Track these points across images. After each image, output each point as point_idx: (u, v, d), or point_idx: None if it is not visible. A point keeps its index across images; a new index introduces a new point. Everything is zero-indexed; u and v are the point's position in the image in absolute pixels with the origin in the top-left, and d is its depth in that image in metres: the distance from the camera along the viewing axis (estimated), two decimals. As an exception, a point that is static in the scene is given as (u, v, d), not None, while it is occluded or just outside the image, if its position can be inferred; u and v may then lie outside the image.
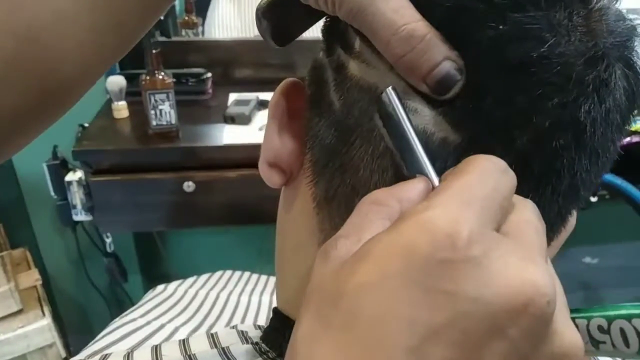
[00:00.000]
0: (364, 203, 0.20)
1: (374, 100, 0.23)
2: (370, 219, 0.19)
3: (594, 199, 1.12)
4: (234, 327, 0.35)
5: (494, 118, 0.21)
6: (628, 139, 0.97)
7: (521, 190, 0.20)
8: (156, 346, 0.35)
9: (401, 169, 0.22)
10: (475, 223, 0.17)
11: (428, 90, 0.21)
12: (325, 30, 0.27)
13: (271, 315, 0.31)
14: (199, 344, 0.34)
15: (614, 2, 0.23)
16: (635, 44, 0.23)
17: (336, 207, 0.26)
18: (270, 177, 0.28)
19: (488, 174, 0.19)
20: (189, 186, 1.10)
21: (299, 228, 0.29)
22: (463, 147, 0.22)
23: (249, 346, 0.32)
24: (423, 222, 0.17)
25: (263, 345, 0.31)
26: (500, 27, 0.20)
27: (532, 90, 0.21)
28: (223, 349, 0.32)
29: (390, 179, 0.23)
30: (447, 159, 0.22)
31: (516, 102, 0.21)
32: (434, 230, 0.17)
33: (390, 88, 0.21)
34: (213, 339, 0.35)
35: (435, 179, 0.20)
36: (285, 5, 0.26)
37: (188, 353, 0.33)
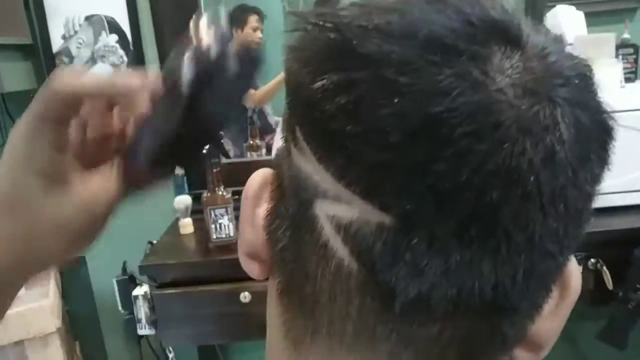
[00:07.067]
0: None
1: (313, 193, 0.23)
2: None
3: None
4: None
5: (419, 192, 0.20)
6: None
7: (472, 257, 0.20)
8: None
9: None
10: None
11: None
12: (283, 118, 0.27)
13: None
14: None
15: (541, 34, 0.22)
16: (563, 78, 0.21)
17: (294, 298, 0.25)
18: (251, 270, 0.28)
19: None
20: (245, 297, 1.12)
21: (271, 319, 0.28)
22: (399, 227, 0.21)
23: None
24: None
25: None
26: (396, 99, 0.19)
27: (444, 152, 0.19)
28: None
29: (333, 268, 0.23)
30: (386, 242, 0.21)
31: (434, 168, 0.19)
32: None
33: None
34: None
35: None
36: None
37: None
